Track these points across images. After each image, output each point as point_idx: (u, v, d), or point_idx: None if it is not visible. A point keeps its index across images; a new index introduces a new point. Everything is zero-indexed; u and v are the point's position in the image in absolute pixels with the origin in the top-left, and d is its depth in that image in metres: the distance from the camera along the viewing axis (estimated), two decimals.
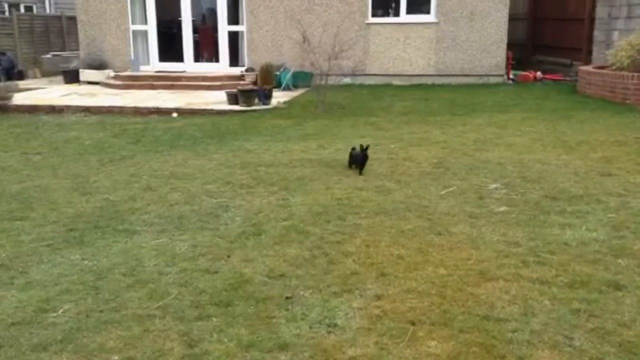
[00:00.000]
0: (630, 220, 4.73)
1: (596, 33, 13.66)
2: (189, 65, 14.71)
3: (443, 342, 3.01)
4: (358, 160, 6.60)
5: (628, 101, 10.47)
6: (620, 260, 3.98)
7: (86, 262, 4.14)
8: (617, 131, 8.30)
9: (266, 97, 11.32)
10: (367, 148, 6.51)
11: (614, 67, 11.20)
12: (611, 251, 4.13)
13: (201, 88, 13.25)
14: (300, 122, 9.77)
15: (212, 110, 10.80)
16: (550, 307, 3.37)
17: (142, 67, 14.70)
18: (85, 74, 14.57)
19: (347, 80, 13.47)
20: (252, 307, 3.41)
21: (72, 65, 15.30)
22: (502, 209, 5.14)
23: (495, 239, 4.43)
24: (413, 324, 3.21)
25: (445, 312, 3.33)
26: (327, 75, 11.04)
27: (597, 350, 2.92)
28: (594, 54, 13.65)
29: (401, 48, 14.28)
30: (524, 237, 4.46)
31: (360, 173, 6.43)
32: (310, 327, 3.18)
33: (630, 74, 10.60)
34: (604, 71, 11.42)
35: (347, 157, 7.20)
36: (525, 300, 3.45)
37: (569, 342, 3.00)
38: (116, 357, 2.96)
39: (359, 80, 14.05)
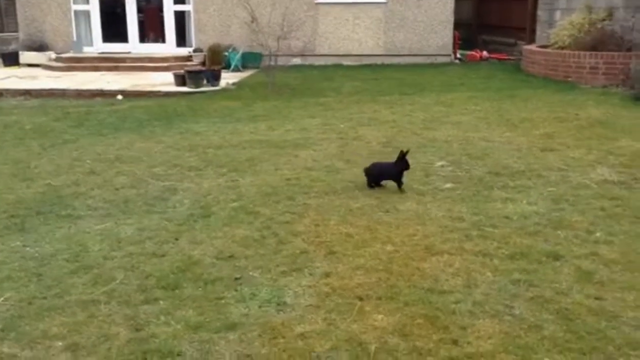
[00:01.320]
0: (569, 194, 4.91)
1: (539, 12, 13.98)
2: (134, 46, 14.33)
3: (389, 315, 3.08)
4: (390, 174, 5.11)
5: (570, 79, 10.79)
6: (559, 232, 4.13)
7: (28, 248, 4.02)
8: (558, 108, 8.56)
9: (215, 78, 11.17)
10: (406, 153, 5.06)
11: (556, 46, 11.51)
12: (550, 223, 4.28)
13: (147, 69, 12.95)
14: (249, 103, 9.69)
15: (159, 92, 10.58)
16: (492, 279, 3.47)
17: (85, 49, 14.23)
18: (25, 56, 14.00)
19: (296, 60, 13.42)
20: (200, 289, 3.39)
21: (11, 47, 14.68)
22: (448, 185, 5.24)
23: (440, 215, 4.52)
24: (361, 299, 3.26)
25: (392, 286, 3.39)
26: (277, 55, 10.98)
27: (536, 318, 3.03)
28: (538, 33, 13.98)
29: (350, 28, 14.28)
30: (468, 212, 4.56)
31: (400, 188, 5.06)
32: (260, 307, 3.19)
33: (572, 52, 10.92)
34: (547, 50, 11.72)
35: (297, 137, 7.22)
36: (468, 273, 3.55)
37: (509, 311, 3.11)
38: (60, 344, 2.90)
39: (309, 61, 14.01)
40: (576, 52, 10.80)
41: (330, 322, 3.01)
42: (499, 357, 2.68)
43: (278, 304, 3.20)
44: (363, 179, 5.47)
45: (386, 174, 5.20)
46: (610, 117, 7.89)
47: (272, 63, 11.01)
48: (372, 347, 2.78)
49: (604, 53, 10.49)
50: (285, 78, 11.38)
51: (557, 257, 3.72)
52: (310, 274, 3.57)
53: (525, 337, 2.85)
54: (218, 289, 3.39)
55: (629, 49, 10.44)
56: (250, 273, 3.59)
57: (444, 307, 3.16)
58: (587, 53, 10.61)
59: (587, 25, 11.06)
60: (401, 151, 5.10)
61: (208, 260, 3.78)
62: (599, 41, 10.68)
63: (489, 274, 3.54)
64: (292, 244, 4.01)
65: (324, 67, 13.66)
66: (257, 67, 13.16)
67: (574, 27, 11.20)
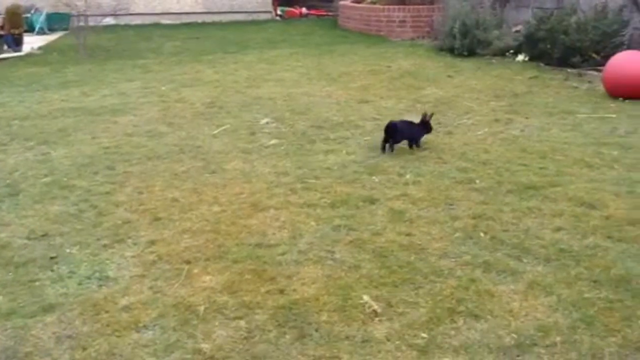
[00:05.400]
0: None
1: None
2: None
3: (218, 274, 3.10)
4: (407, 134, 4.90)
5: (381, 33, 11.42)
6: (374, 177, 4.41)
7: None
8: (372, 61, 9.04)
9: (16, 43, 10.16)
10: (430, 116, 4.96)
11: (368, 1, 12.06)
12: (367, 170, 4.56)
13: None
14: (59, 68, 8.97)
15: None
16: (316, 227, 3.63)
17: None
18: None
19: (109, 20, 12.56)
20: (10, 274, 3.12)
21: None
22: (273, 142, 5.34)
23: (266, 171, 4.60)
24: (188, 262, 3.23)
25: (220, 246, 3.41)
26: (86, 15, 10.20)
27: (355, 259, 3.24)
28: None
29: None
30: (292, 166, 4.70)
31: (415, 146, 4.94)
32: (79, 284, 3.03)
33: (382, 7, 11.53)
34: (360, 5, 12.25)
35: (115, 102, 6.83)
36: (294, 224, 3.67)
37: (331, 256, 3.28)
38: None
39: (123, 21, 13.22)
40: (386, 7, 11.43)
41: (157, 290, 2.96)
42: (322, 300, 2.84)
43: (100, 279, 3.06)
44: (188, 141, 5.37)
45: (404, 135, 4.91)
46: (417, 67, 8.53)
47: (82, 24, 10.22)
48: (201, 308, 2.79)
49: (411, 7, 11.23)
50: (98, 40, 10.65)
51: (373, 201, 3.99)
52: (135, 244, 3.45)
53: (346, 278, 3.04)
54: (31, 270, 3.15)
55: (432, 2, 11.28)
56: (68, 250, 3.38)
57: (271, 260, 3.24)
58: (396, 7, 11.28)
59: None
60: (424, 114, 4.95)
61: (18, 241, 3.48)
62: None
63: (312, 223, 3.69)
64: (114, 215, 3.83)
65: (141, 27, 13.00)
66: (66, 29, 12.16)
67: None
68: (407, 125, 4.98)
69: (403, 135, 4.91)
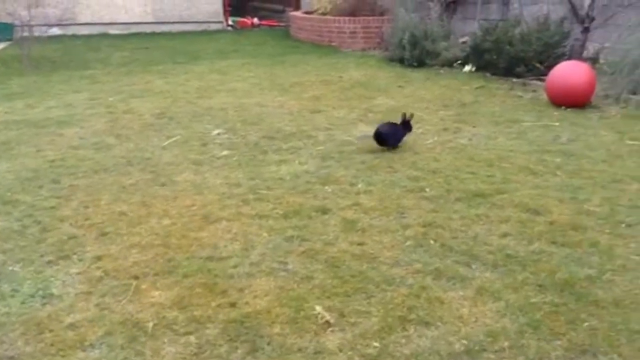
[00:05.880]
0: (334, 151, 5.27)
1: None
2: None
3: (167, 289, 3.03)
4: (394, 137, 5.26)
5: (333, 43, 11.51)
6: (326, 187, 4.42)
7: None
8: (324, 72, 9.10)
9: None
10: (411, 117, 5.33)
11: (319, 12, 12.16)
12: (319, 180, 4.57)
13: None
14: (3, 80, 8.68)
15: None
16: (268, 239, 3.61)
17: None
18: None
19: (55, 30, 12.25)
20: None
21: None
22: (225, 153, 5.29)
23: (218, 183, 4.55)
24: (136, 278, 3.15)
25: (170, 260, 3.35)
26: (31, 26, 9.92)
27: (307, 270, 3.23)
28: None
29: None
30: (245, 177, 4.66)
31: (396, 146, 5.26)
32: (22, 303, 2.92)
33: (333, 17, 11.63)
34: (312, 16, 12.33)
35: (61, 114, 6.65)
36: (246, 236, 3.64)
37: (283, 267, 3.27)
38: None
39: (70, 31, 12.92)
40: (337, 18, 11.54)
41: (104, 307, 2.88)
42: (274, 312, 2.81)
43: (44, 297, 2.96)
44: (137, 153, 5.27)
45: (390, 138, 5.25)
46: (368, 78, 8.63)
47: (27, 34, 9.93)
48: (150, 325, 2.72)
49: (361, 18, 11.38)
50: (43, 50, 10.36)
51: (325, 211, 3.99)
52: (80, 260, 3.35)
53: (298, 289, 3.02)
54: None
55: (381, 14, 11.45)
56: (10, 268, 3.25)
57: (222, 272, 3.20)
58: (347, 18, 11.40)
59: None
60: (403, 114, 5.32)
61: None
62: (355, 7, 11.54)
63: (265, 234, 3.67)
64: (59, 230, 3.72)
65: (89, 37, 12.73)
66: (9, 40, 11.79)
67: None
68: (392, 128, 5.29)
69: (389, 138, 5.22)
